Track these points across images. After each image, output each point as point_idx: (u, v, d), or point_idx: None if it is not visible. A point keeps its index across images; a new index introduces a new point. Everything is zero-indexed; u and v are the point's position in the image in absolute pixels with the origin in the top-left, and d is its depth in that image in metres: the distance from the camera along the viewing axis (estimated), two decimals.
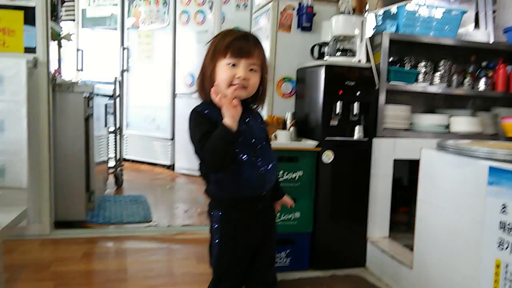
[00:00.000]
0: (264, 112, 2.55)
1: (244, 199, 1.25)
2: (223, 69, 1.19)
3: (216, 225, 1.26)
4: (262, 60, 1.24)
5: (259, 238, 1.30)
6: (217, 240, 1.25)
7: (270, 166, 1.26)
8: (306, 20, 2.51)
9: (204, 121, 1.18)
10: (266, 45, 2.50)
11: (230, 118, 1.10)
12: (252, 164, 1.22)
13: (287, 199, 1.47)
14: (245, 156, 1.21)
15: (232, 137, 1.11)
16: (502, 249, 1.35)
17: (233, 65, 1.19)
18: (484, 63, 2.56)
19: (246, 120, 1.23)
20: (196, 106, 1.23)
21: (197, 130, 1.17)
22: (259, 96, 1.28)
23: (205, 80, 1.23)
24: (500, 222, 1.36)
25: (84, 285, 1.99)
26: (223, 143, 1.11)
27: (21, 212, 1.73)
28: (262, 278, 1.33)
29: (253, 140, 1.24)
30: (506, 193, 1.34)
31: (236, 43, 1.19)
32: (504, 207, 1.34)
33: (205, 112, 1.19)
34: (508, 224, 1.33)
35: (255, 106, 1.30)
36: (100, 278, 2.08)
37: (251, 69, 1.20)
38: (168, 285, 2.01)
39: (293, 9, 2.52)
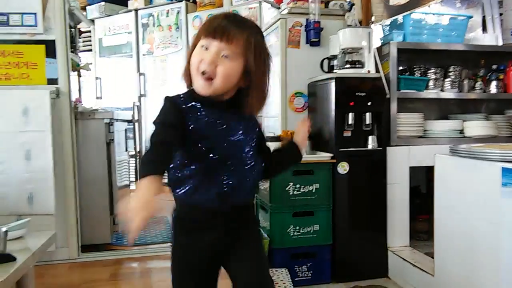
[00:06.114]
0: (278, 127, 2.60)
1: (197, 206, 1.06)
2: (196, 52, 1.02)
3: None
4: (246, 48, 0.99)
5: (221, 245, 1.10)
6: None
7: (242, 180, 1.06)
8: (314, 35, 2.57)
9: (170, 109, 1.04)
10: (277, 62, 2.56)
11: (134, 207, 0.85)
12: (215, 176, 1.04)
13: (299, 140, 1.23)
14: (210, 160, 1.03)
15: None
16: None
17: (206, 48, 1.00)
18: (494, 66, 2.56)
19: (227, 124, 1.05)
20: (174, 95, 1.08)
21: (159, 114, 1.03)
22: (246, 98, 1.04)
23: (187, 67, 1.09)
24: None
25: None
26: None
27: (51, 236, 1.82)
28: (246, 279, 1.09)
29: (229, 150, 1.05)
30: None
31: (213, 22, 1.01)
32: None
33: (178, 98, 1.06)
34: None
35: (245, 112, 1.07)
36: None
37: (223, 55, 0.99)
38: None
39: (301, 25, 2.59)
